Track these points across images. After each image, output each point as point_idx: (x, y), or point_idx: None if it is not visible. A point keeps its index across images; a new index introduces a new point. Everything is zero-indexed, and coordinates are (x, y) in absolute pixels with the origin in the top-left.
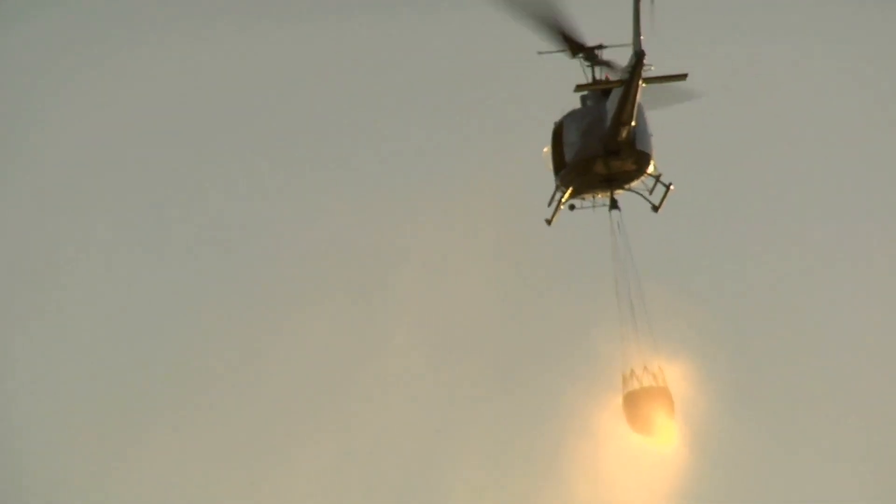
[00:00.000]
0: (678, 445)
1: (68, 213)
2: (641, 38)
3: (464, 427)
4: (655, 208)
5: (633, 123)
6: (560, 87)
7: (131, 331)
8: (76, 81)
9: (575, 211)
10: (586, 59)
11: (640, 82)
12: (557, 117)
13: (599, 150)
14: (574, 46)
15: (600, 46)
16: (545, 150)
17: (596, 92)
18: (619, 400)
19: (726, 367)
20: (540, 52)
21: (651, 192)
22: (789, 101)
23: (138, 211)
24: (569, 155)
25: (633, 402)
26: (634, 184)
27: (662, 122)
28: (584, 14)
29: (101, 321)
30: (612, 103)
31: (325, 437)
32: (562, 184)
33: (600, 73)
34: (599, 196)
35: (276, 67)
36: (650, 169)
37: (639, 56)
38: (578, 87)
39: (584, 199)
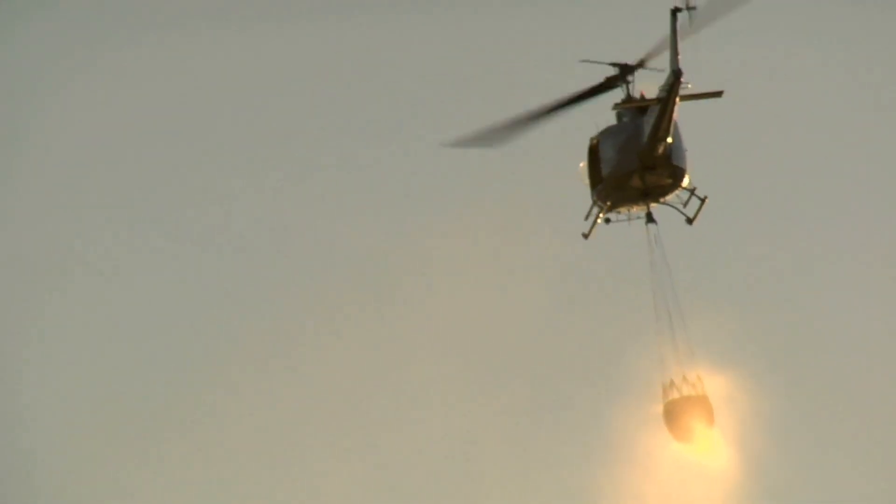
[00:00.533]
0: (718, 452)
1: (83, 217)
2: (678, 57)
3: (502, 439)
4: (690, 221)
5: (669, 140)
6: (598, 101)
7: (148, 339)
8: (82, 82)
9: (610, 224)
10: (623, 77)
11: (677, 100)
12: (592, 131)
13: (636, 165)
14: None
15: (640, 65)
16: (581, 165)
17: (632, 109)
18: (660, 409)
19: (765, 376)
20: (583, 60)
21: (685, 204)
22: (822, 108)
23: (161, 214)
24: (606, 170)
25: (674, 410)
26: (669, 197)
27: (694, 132)
28: (615, 30)
29: (123, 331)
30: (648, 120)
31: (352, 456)
32: (599, 198)
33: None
34: (634, 209)
35: (302, 69)
36: (685, 183)
37: (676, 75)
38: (617, 106)
39: (619, 212)
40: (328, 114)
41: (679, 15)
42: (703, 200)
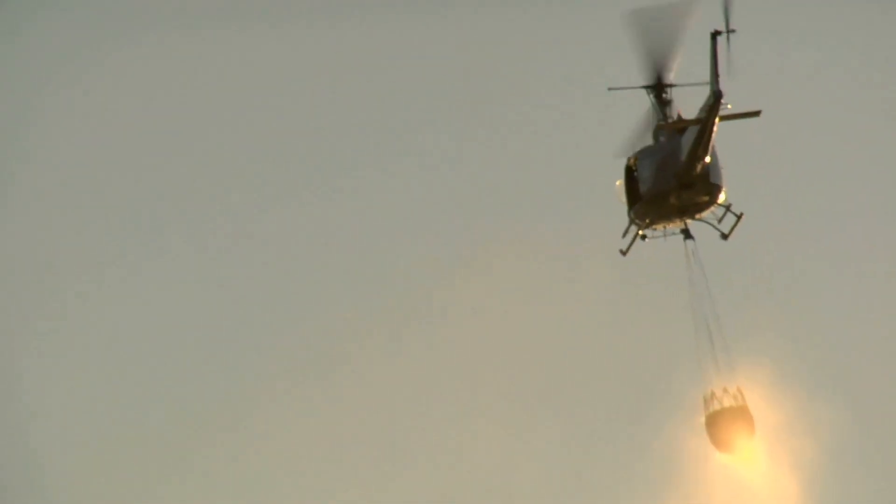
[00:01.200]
0: (760, 461)
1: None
2: (719, 78)
3: (548, 456)
4: (725, 236)
5: (707, 158)
6: (628, 117)
7: (171, 356)
8: (83, 82)
9: (646, 240)
10: (657, 95)
11: (716, 120)
12: (623, 148)
13: (674, 183)
14: (658, 86)
15: (672, 85)
16: (617, 183)
17: (669, 128)
18: (702, 420)
19: (805, 385)
20: (611, 89)
21: (720, 220)
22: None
23: (176, 223)
24: (644, 188)
25: (715, 421)
26: (705, 213)
27: (731, 149)
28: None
29: (127, 334)
30: (687, 140)
31: (389, 472)
32: (636, 216)
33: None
34: (670, 226)
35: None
36: (721, 199)
37: (717, 96)
38: (659, 127)
39: (654, 229)
40: (367, 123)
41: (718, 38)
42: (738, 217)
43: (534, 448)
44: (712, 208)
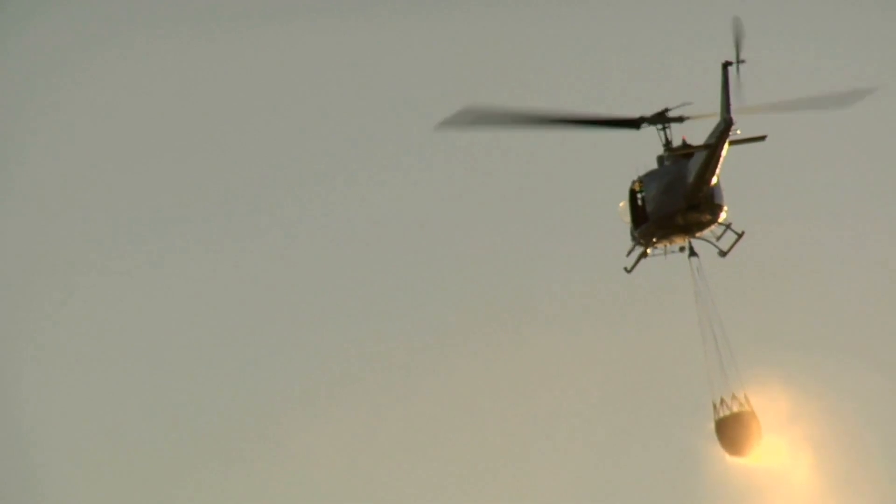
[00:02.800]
0: (768, 462)
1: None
2: (731, 106)
3: (560, 459)
4: (723, 253)
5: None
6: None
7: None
8: (85, 82)
9: (651, 258)
10: (655, 123)
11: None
12: (627, 172)
13: (682, 204)
14: (631, 123)
15: (666, 109)
16: (621, 205)
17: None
18: (712, 426)
19: (809, 390)
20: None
21: (719, 238)
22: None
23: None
24: (651, 209)
25: (725, 427)
26: (705, 232)
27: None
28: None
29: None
30: (694, 163)
31: (390, 472)
32: (642, 236)
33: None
34: (671, 244)
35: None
36: (722, 218)
37: (728, 123)
38: (668, 151)
39: (657, 247)
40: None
41: (730, 68)
42: (739, 235)
43: (545, 455)
44: (713, 227)
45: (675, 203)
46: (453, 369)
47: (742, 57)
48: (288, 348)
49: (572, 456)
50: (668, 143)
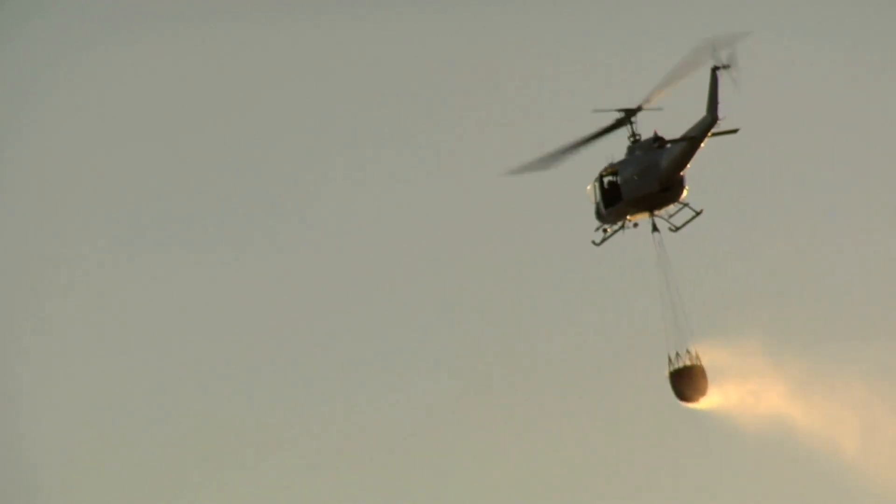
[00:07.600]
0: (713, 408)
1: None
2: (718, 106)
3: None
4: (676, 229)
5: None
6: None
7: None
8: (86, 82)
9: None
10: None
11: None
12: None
13: (656, 187)
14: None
15: (639, 108)
16: (588, 188)
17: (646, 143)
18: (666, 375)
19: (752, 350)
20: (595, 111)
21: (672, 216)
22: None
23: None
24: (625, 191)
25: (678, 377)
26: (664, 209)
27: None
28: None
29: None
30: (670, 152)
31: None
32: (613, 215)
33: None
34: (632, 219)
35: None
36: (682, 196)
37: (714, 120)
38: (656, 141)
39: (620, 224)
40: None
41: (718, 72)
42: (697, 213)
43: (511, 421)
44: (672, 205)
45: (649, 186)
46: (442, 348)
47: (727, 63)
48: (288, 348)
49: (548, 399)
50: (634, 136)
